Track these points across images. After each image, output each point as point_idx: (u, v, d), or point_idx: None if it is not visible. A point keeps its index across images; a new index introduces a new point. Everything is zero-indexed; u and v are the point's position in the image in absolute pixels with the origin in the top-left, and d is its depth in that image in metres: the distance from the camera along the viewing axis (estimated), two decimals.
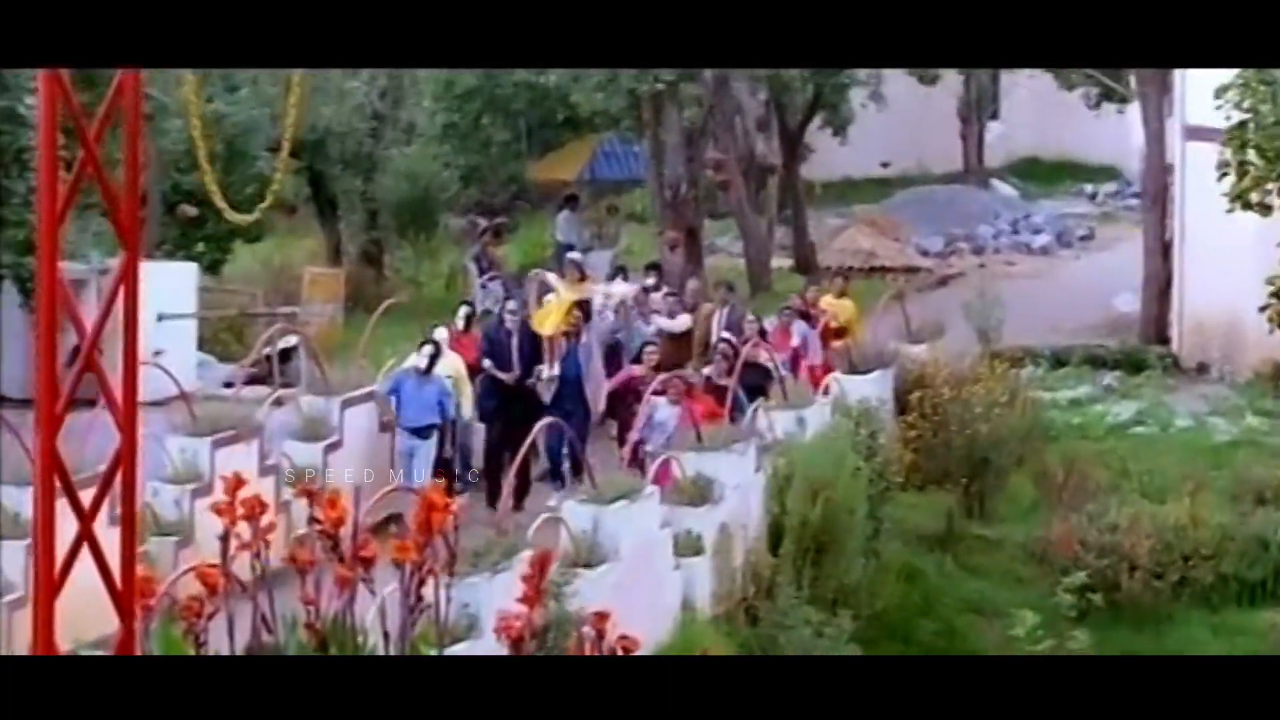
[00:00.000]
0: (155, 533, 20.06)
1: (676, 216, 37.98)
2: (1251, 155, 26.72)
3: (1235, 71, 26.97)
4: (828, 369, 25.64)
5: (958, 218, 47.29)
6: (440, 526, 7.27)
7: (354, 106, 39.20)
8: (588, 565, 18.56)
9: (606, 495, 19.51)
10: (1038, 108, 51.17)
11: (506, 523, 18.86)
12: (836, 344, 26.68)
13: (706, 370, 24.08)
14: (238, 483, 7.61)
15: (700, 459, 21.25)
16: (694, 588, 20.58)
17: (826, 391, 24.80)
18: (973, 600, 24.68)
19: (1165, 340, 34.43)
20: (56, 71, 6.42)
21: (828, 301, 27.42)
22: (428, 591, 7.34)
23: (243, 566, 7.47)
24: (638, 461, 21.68)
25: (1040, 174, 53.82)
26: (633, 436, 21.99)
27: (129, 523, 6.92)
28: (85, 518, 6.39)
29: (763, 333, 25.49)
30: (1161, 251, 34.78)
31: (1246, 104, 26.54)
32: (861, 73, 41.78)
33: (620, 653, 7.62)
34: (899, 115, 46.65)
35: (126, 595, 6.73)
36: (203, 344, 30.71)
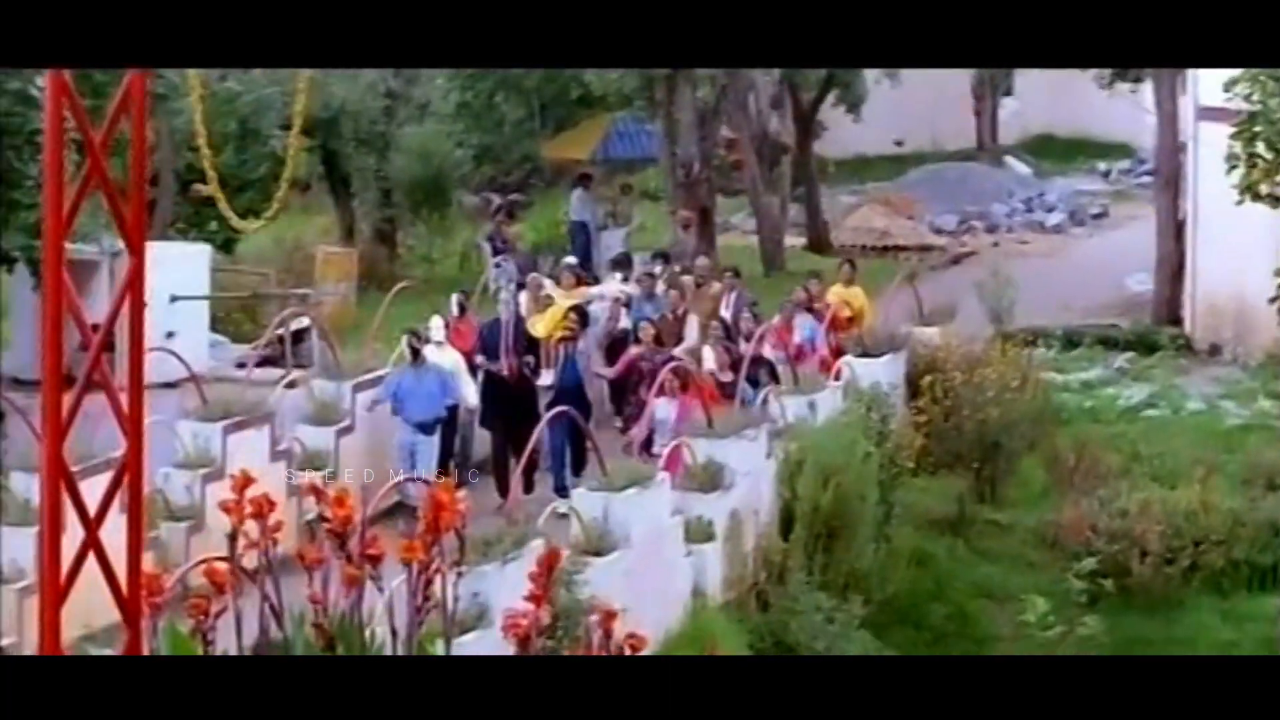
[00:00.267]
0: (167, 518, 20.11)
1: (690, 195, 37.92)
2: (1260, 148, 26.60)
3: None
4: (839, 352, 25.49)
5: (971, 195, 47.11)
6: (448, 525, 7.29)
7: (367, 84, 39.15)
8: (598, 553, 18.47)
9: (617, 482, 19.40)
10: (1051, 84, 50.89)
11: (517, 512, 18.82)
12: (846, 334, 26.33)
13: (709, 365, 23.92)
14: (245, 481, 7.63)
15: (711, 445, 21.12)
16: (705, 574, 20.51)
17: (838, 375, 24.71)
18: (984, 585, 24.62)
19: (1178, 321, 34.32)
20: (61, 75, 6.41)
21: (836, 291, 26.94)
22: (435, 589, 7.37)
23: (251, 562, 7.51)
24: (648, 456, 21.57)
25: (1054, 151, 53.52)
26: (639, 435, 21.99)
27: (135, 526, 6.93)
28: (91, 526, 6.41)
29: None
30: (1174, 233, 34.66)
31: (1256, 97, 26.42)
32: None
33: (629, 651, 7.64)
34: (912, 92, 46.39)
35: (133, 600, 6.74)
36: (216, 324, 30.73)
